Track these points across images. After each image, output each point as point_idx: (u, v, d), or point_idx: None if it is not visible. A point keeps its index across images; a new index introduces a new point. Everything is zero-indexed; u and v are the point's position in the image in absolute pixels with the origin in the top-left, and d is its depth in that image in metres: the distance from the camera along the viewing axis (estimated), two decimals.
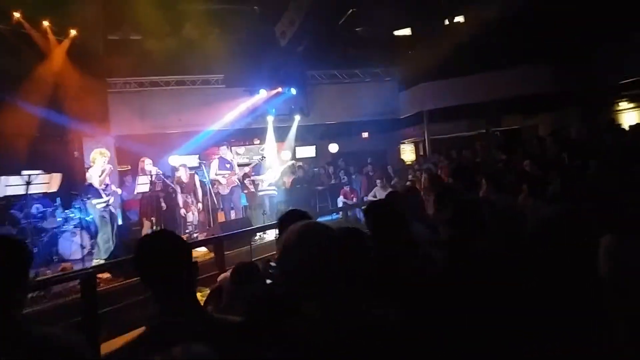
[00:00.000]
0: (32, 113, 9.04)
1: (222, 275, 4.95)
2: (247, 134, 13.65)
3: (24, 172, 5.93)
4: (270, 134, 13.06)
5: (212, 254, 6.82)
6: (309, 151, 15.62)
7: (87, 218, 9.27)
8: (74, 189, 8.36)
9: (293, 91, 12.67)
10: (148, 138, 11.69)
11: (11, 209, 7.96)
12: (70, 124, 10.44)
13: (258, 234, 8.15)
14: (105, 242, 7.44)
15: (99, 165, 7.26)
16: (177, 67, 12.21)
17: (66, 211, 8.65)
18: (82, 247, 8.71)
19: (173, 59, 12.17)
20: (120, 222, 9.09)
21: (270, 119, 12.83)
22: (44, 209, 8.25)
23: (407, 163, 16.40)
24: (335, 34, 13.63)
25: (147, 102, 12.18)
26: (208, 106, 12.12)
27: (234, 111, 12.30)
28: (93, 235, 9.01)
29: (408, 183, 10.13)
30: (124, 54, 11.92)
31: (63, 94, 10.01)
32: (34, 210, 7.91)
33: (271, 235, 8.34)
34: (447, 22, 15.43)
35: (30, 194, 7.25)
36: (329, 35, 13.45)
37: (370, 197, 10.99)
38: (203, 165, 9.48)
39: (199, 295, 5.29)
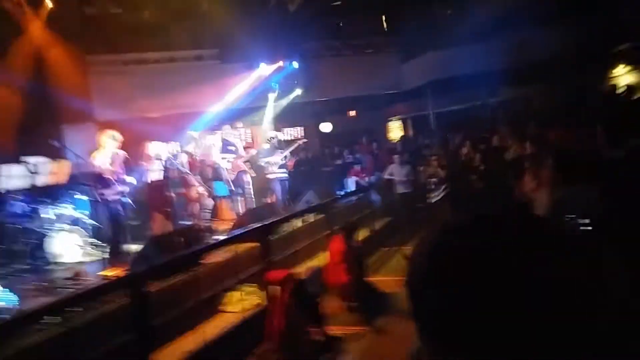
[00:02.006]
0: (10, 95, 7.83)
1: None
2: (245, 114, 12.63)
3: (26, 159, 4.82)
4: (270, 112, 12.15)
5: (246, 246, 6.05)
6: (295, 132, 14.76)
7: (83, 213, 8.16)
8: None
9: (295, 64, 11.73)
10: (136, 123, 10.52)
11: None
12: (50, 109, 9.23)
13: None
14: (116, 240, 6.42)
15: (109, 150, 6.19)
16: (165, 43, 11.05)
17: (58, 207, 7.51)
18: (81, 247, 7.65)
19: (160, 33, 11.02)
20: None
21: (272, 96, 11.88)
22: (31, 207, 7.06)
23: (394, 141, 15.92)
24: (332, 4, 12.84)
25: (134, 82, 10.95)
26: (202, 85, 11.04)
27: (233, 89, 11.27)
28: (90, 234, 7.93)
29: (432, 158, 9.54)
30: (104, 29, 10.65)
31: (43, 76, 8.80)
32: (18, 209, 6.70)
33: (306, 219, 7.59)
34: None
35: (8, 190, 6.13)
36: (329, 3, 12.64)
37: (387, 176, 10.33)
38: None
39: (240, 293, 4.54)
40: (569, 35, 10.56)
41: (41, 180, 4.86)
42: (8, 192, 4.56)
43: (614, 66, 11.92)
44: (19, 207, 6.70)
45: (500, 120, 10.75)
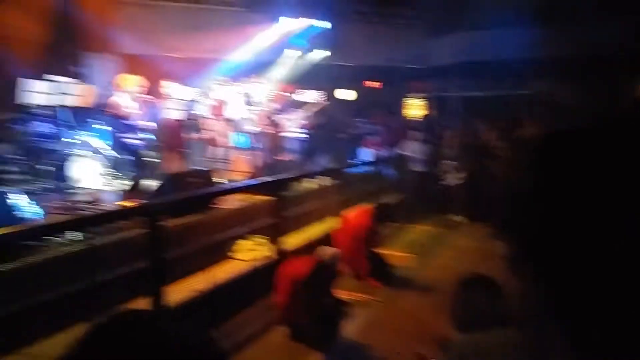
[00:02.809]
0: (37, 16, 7.63)
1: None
2: (267, 68, 12.36)
3: (53, 78, 4.68)
4: (291, 70, 11.87)
5: (259, 198, 6.00)
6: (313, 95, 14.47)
7: (105, 143, 8.06)
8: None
9: (326, 24, 11.40)
10: (158, 60, 10.29)
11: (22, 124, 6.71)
12: (74, 34, 8.99)
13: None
14: (134, 174, 6.37)
15: (130, 91, 6.01)
16: None
17: (81, 132, 7.42)
18: (101, 175, 7.59)
19: None
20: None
21: (291, 53, 11.58)
22: (57, 128, 6.98)
23: (412, 118, 15.66)
24: None
25: (156, 19, 10.66)
26: (224, 31, 10.75)
27: (257, 40, 10.99)
28: (110, 164, 7.87)
29: (452, 139, 9.37)
30: None
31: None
32: (44, 128, 6.65)
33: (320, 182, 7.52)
34: None
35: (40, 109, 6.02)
36: None
37: (402, 151, 10.20)
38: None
39: (250, 242, 4.48)
40: (612, 34, 10.20)
41: (67, 101, 4.72)
42: (36, 107, 4.44)
43: None
44: (46, 126, 6.62)
45: (527, 113, 10.52)
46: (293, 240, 5.87)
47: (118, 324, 0.61)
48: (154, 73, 8.81)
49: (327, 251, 4.38)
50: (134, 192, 5.75)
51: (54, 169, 6.52)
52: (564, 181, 0.51)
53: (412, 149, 9.86)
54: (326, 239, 5.82)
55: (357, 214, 5.98)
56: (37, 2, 7.81)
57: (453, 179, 8.90)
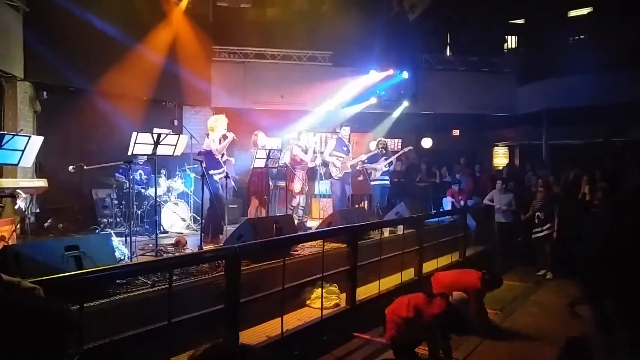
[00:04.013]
0: (145, 74, 8.70)
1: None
2: (350, 118, 12.68)
3: (156, 130, 5.25)
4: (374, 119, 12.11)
5: (333, 245, 6.07)
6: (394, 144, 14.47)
7: (189, 190, 8.80)
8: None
9: (405, 74, 11.59)
10: (246, 113, 11.09)
11: (116, 173, 7.58)
12: (176, 90, 10.06)
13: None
14: (215, 218, 6.77)
15: (219, 132, 6.57)
16: (284, 41, 11.50)
17: (169, 180, 8.20)
18: (183, 220, 8.24)
19: (281, 31, 11.50)
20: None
21: (377, 103, 11.84)
22: (148, 176, 7.82)
23: (497, 168, 15.02)
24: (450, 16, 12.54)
25: (249, 75, 11.55)
26: (312, 85, 11.31)
27: (341, 93, 11.40)
28: (192, 209, 8.52)
29: (540, 190, 8.83)
30: (231, 22, 11.39)
31: (174, 59, 9.63)
32: (137, 176, 7.45)
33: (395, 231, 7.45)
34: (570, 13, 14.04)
35: (135, 158, 6.78)
36: (444, 16, 12.38)
37: (486, 201, 9.77)
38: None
39: (322, 290, 4.47)
40: None
41: (161, 151, 5.25)
42: (135, 157, 5.05)
43: None
44: (140, 174, 7.45)
45: (627, 162, 9.70)
46: (367, 290, 5.80)
47: (216, 354, 0.69)
48: (242, 125, 9.51)
49: (457, 296, 4.40)
50: (214, 234, 6.09)
51: (142, 213, 7.21)
52: None
53: (498, 199, 9.42)
54: (402, 291, 5.67)
55: (464, 272, 5.79)
56: (144, 62, 8.83)
57: (540, 231, 8.34)
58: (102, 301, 3.47)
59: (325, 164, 8.48)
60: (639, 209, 0.53)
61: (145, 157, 7.00)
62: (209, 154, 6.55)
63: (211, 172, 6.53)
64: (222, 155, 6.82)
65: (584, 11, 13.72)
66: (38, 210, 7.47)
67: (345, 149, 8.61)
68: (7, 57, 7.47)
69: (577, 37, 14.11)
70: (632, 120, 12.30)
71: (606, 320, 0.55)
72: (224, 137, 6.68)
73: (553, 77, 12.19)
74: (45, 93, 8.36)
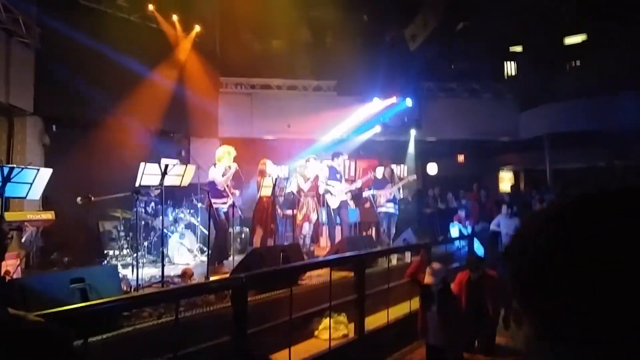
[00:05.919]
0: (154, 106, 8.86)
1: None
2: (354, 146, 12.78)
3: (164, 161, 5.30)
4: (378, 147, 12.18)
5: (341, 274, 5.99)
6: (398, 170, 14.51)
7: (196, 220, 8.78)
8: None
9: (409, 102, 11.71)
10: (253, 143, 11.20)
11: (135, 204, 7.58)
12: (184, 121, 10.20)
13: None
14: (221, 247, 6.75)
15: (224, 163, 6.62)
16: (289, 71, 11.72)
17: (176, 210, 8.19)
18: (189, 250, 8.20)
19: (285, 62, 11.74)
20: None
21: (381, 131, 11.94)
22: (156, 207, 7.82)
23: (504, 192, 14.94)
24: (450, 44, 12.74)
25: (256, 105, 11.73)
26: (318, 114, 11.45)
27: (346, 121, 11.53)
28: (199, 239, 8.49)
29: None
30: (238, 54, 11.64)
31: (182, 91, 9.82)
32: (146, 206, 7.46)
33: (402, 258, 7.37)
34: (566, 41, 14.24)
35: (147, 189, 6.78)
36: (444, 45, 12.57)
37: (493, 227, 9.69)
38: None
39: (329, 320, 4.39)
40: None
41: (168, 181, 5.28)
42: (142, 187, 5.09)
43: None
44: (148, 204, 7.44)
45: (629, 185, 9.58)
46: (376, 319, 5.69)
47: None
48: (249, 154, 9.59)
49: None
50: (220, 264, 6.04)
51: (150, 244, 7.18)
52: None
53: (505, 224, 9.34)
54: (411, 320, 5.56)
55: None
56: (153, 95, 9.00)
57: None
58: (107, 335, 3.43)
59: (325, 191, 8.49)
60: (572, 223, 0.53)
61: (157, 189, 7.03)
62: (211, 184, 6.58)
63: (215, 200, 6.54)
64: (228, 186, 6.84)
65: (578, 39, 13.93)
66: (42, 244, 7.46)
67: (338, 176, 8.62)
68: (18, 91, 7.63)
69: (573, 64, 14.33)
70: (633, 143, 12.33)
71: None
72: (228, 168, 6.72)
73: (552, 102, 12.30)
74: (54, 127, 8.48)
